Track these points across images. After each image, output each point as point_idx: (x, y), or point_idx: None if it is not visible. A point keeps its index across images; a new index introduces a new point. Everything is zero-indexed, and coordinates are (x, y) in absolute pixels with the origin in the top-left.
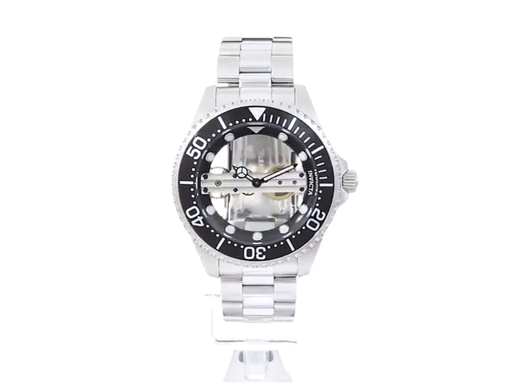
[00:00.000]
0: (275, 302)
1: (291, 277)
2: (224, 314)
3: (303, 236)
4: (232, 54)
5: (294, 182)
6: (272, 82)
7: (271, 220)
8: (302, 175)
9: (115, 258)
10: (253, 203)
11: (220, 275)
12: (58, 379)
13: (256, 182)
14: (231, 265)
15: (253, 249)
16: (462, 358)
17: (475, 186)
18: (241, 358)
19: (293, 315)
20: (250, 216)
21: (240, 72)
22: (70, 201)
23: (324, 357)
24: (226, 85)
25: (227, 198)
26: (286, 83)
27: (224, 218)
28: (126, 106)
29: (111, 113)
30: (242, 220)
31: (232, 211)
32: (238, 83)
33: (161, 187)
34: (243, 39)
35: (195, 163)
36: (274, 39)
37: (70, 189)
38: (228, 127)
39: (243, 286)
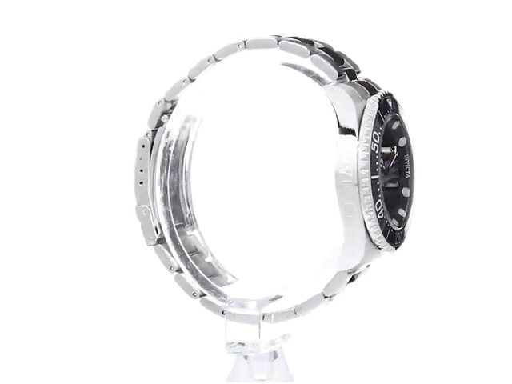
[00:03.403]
0: None
1: None
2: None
3: (411, 216)
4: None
5: None
6: None
7: None
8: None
9: (118, 257)
10: None
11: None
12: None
13: (386, 170)
14: (376, 254)
15: (399, 235)
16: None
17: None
18: (245, 357)
19: None
20: None
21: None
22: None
23: (328, 357)
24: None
25: None
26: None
27: None
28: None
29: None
30: None
31: None
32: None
33: None
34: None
35: (377, 157)
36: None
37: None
38: (384, 120)
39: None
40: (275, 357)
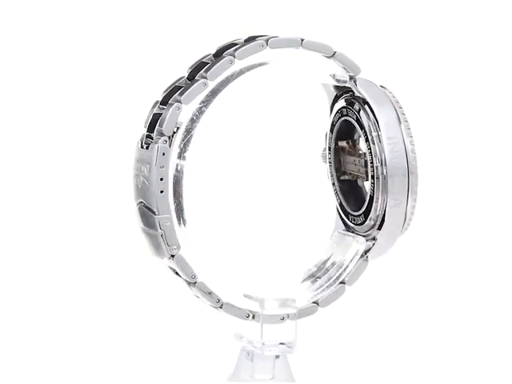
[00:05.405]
0: None
1: None
2: None
3: None
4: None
5: None
6: None
7: None
8: None
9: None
10: None
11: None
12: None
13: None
14: None
15: None
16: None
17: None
18: (248, 357)
19: None
20: None
21: None
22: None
23: (329, 357)
24: None
25: None
26: None
27: None
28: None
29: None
30: None
31: None
32: None
33: None
34: None
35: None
36: None
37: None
38: None
39: None
40: (277, 356)
